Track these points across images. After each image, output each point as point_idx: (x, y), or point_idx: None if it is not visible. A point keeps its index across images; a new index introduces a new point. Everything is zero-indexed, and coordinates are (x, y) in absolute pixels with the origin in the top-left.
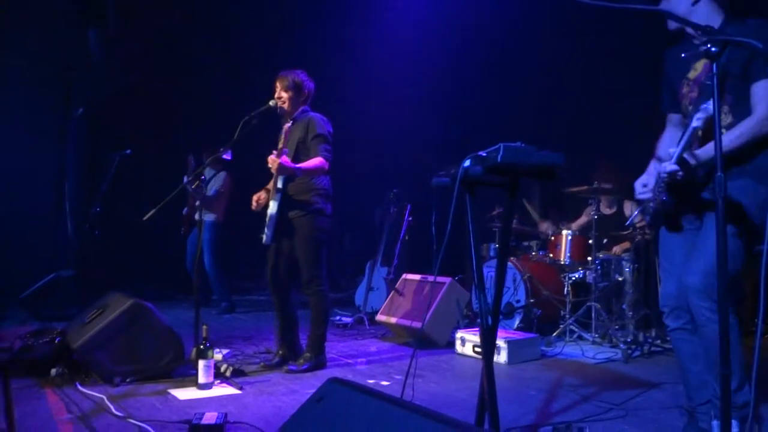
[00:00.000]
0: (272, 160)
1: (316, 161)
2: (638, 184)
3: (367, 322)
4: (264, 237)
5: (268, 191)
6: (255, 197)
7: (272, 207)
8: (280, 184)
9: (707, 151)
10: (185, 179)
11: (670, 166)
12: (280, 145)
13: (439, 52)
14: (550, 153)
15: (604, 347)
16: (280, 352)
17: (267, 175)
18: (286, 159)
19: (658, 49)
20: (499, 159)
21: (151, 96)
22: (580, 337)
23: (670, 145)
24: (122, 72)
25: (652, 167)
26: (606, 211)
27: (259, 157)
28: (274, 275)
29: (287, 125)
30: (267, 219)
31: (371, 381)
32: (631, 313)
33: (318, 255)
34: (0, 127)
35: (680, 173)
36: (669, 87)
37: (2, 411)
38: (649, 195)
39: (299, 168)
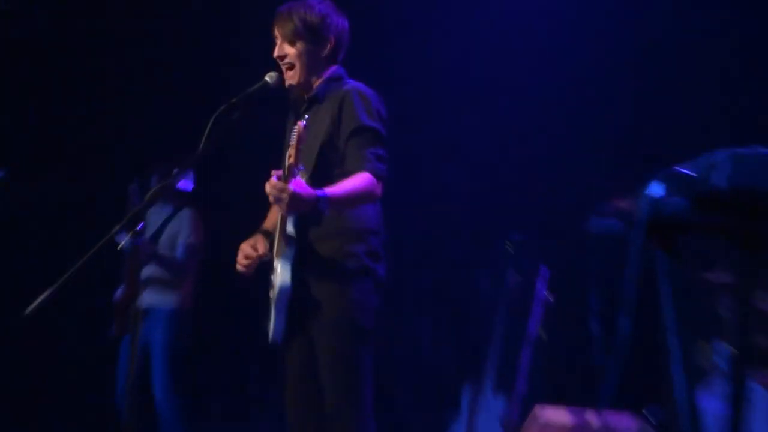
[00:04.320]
0: (275, 188)
1: (360, 181)
2: None
3: None
4: (270, 330)
5: (265, 238)
6: (243, 251)
7: (281, 273)
8: (291, 229)
9: None
10: (120, 233)
11: None
12: (290, 158)
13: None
14: None
15: None
16: None
17: (261, 209)
18: (300, 183)
19: None
20: (725, 181)
21: (59, 59)
22: None
23: None
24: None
25: None
26: None
27: (248, 176)
28: (295, 397)
29: (301, 122)
30: (273, 294)
31: None
32: None
33: (356, 365)
34: None
35: None
36: None
37: None
38: None
39: (329, 198)
